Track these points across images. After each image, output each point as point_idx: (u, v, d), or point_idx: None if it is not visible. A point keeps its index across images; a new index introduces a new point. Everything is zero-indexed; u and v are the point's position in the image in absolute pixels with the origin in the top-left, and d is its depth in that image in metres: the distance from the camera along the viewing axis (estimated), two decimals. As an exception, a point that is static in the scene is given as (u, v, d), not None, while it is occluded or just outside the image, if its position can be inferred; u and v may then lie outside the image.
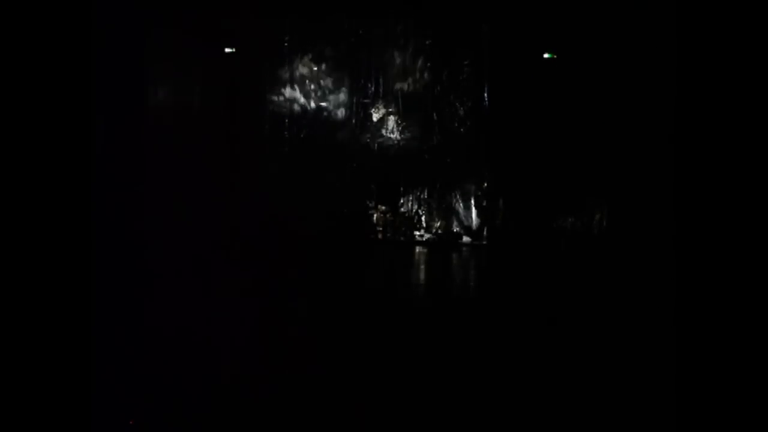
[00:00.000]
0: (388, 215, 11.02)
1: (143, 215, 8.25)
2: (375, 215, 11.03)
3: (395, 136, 10.99)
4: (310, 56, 10.93)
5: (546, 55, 9.73)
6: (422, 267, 9.75)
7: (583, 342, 4.84)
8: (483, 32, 10.64)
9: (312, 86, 10.98)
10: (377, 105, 10.98)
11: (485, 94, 10.71)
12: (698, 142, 2.45)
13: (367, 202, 11.02)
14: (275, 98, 10.93)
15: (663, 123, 6.75)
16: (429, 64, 10.85)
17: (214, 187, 9.86)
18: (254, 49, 10.65)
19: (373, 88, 10.94)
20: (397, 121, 10.98)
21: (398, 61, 10.90)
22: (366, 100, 10.97)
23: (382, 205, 11.01)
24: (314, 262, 9.22)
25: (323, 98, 11.02)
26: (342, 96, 11.00)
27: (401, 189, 11.01)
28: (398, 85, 10.91)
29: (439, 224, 10.90)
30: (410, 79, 10.91)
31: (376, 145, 11.01)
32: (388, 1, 10.73)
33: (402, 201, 11.03)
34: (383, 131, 11.02)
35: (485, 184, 10.81)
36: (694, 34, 2.46)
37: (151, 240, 8.26)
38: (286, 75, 10.92)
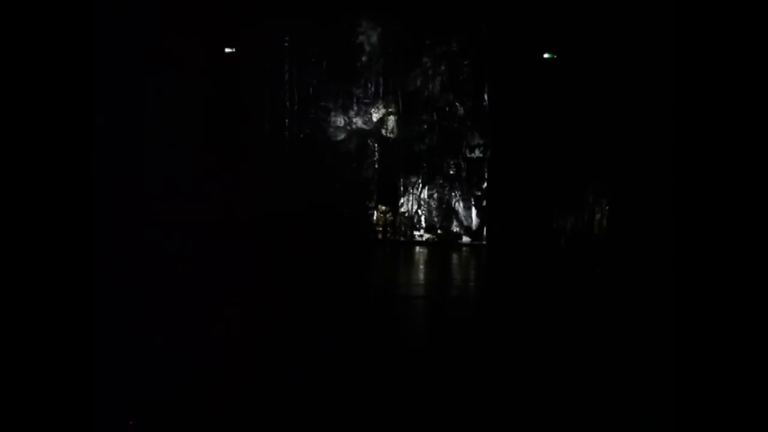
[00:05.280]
0: (388, 215, 11.02)
1: (143, 215, 8.25)
2: (375, 215, 11.03)
3: (395, 136, 11.00)
4: (310, 56, 10.93)
5: (546, 55, 9.73)
6: (421, 267, 9.75)
7: (583, 342, 4.84)
8: (483, 32, 10.65)
9: (312, 86, 10.98)
10: (377, 105, 10.99)
11: (485, 94, 10.72)
12: (698, 142, 2.45)
13: (367, 202, 11.03)
14: (275, 99, 10.93)
15: (663, 122, 6.74)
16: (429, 64, 10.86)
17: (214, 187, 9.86)
18: (254, 49, 10.65)
19: (373, 88, 10.95)
20: (397, 121, 10.99)
21: (398, 61, 10.90)
22: (366, 100, 10.98)
23: (382, 205, 11.02)
24: (314, 262, 9.21)
25: (323, 98, 11.02)
26: (342, 96, 11.00)
27: (401, 189, 11.02)
28: (398, 85, 10.92)
29: (438, 224, 10.91)
30: (410, 79, 10.91)
31: (376, 145, 11.02)
32: (388, 2, 10.75)
33: (402, 201, 11.04)
34: (383, 131, 11.03)
35: (485, 184, 10.82)
36: (694, 34, 2.46)
37: (151, 239, 8.26)
38: (286, 75, 10.92)
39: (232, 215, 10.00)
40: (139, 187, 8.31)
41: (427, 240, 11.00)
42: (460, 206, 10.95)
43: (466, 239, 10.90)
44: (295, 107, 10.98)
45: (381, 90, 10.94)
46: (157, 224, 8.37)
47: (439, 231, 11.01)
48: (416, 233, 11.04)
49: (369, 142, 11.04)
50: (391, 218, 11.00)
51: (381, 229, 11.01)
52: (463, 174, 10.89)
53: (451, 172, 10.94)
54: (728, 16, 2.41)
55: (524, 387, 3.80)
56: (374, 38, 10.87)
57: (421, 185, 11.01)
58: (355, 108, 10.99)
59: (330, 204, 10.91)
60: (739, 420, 2.28)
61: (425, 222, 11.05)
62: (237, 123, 10.56)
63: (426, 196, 11.02)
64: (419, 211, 11.07)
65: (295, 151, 10.98)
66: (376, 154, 11.03)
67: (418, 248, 10.78)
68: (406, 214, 11.05)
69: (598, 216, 9.26)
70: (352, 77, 10.95)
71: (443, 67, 10.82)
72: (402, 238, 10.97)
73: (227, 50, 10.46)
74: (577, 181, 9.37)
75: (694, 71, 2.48)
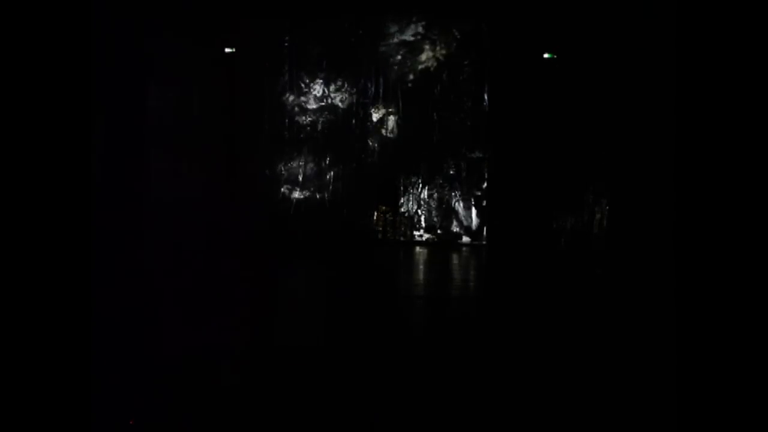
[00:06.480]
0: (388, 215, 11.02)
1: (144, 215, 8.25)
2: (375, 215, 11.04)
3: (395, 136, 11.01)
4: (310, 56, 10.94)
5: (546, 55, 9.73)
6: (421, 267, 9.75)
7: (583, 342, 4.84)
8: (483, 32, 10.65)
9: (312, 86, 10.99)
10: (377, 105, 10.99)
11: (485, 94, 10.73)
12: (699, 142, 2.45)
13: (367, 202, 11.03)
14: (275, 98, 10.94)
15: (663, 122, 6.74)
16: (429, 64, 10.86)
17: (214, 187, 9.86)
18: (254, 49, 10.65)
19: (373, 88, 10.95)
20: (397, 121, 10.99)
21: (398, 61, 10.90)
22: (366, 100, 10.99)
23: (382, 205, 11.02)
24: (314, 262, 9.22)
25: (323, 98, 11.03)
26: (342, 96, 11.00)
27: (401, 189, 11.02)
28: (398, 85, 10.93)
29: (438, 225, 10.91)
30: (410, 79, 10.92)
31: (376, 145, 11.02)
32: (388, 2, 10.75)
33: (402, 201, 11.04)
34: (383, 131, 11.03)
35: (485, 184, 10.83)
36: (694, 34, 2.46)
37: (152, 240, 8.26)
38: (286, 75, 10.93)
39: (230, 215, 10.00)
40: (138, 188, 8.31)
41: (427, 240, 11.00)
42: (460, 206, 10.95)
43: (466, 239, 10.90)
44: (295, 107, 10.98)
45: (381, 90, 10.94)
46: (157, 225, 8.36)
47: (439, 231, 11.01)
48: (416, 233, 11.04)
49: (369, 142, 11.04)
50: (391, 218, 11.01)
51: (381, 229, 11.02)
52: (463, 174, 10.90)
53: (451, 172, 10.94)
54: (729, 16, 2.41)
55: (524, 386, 3.80)
56: (374, 38, 10.87)
57: (421, 185, 11.02)
58: (355, 108, 11.00)
59: (330, 204, 10.92)
60: (739, 420, 2.28)
61: (425, 222, 11.06)
62: (237, 123, 10.56)
63: (426, 196, 11.02)
64: (419, 211, 11.07)
65: (295, 151, 10.99)
66: (376, 154, 11.03)
67: (418, 248, 10.78)
68: (406, 214, 11.05)
69: (598, 216, 9.27)
70: (352, 77, 10.96)
71: (443, 68, 10.82)
72: (402, 238, 10.98)
73: (227, 50, 10.47)
74: (577, 181, 9.37)
75: (695, 71, 2.48)
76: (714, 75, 2.46)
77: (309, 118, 11.03)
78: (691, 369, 2.38)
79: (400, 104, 10.94)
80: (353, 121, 10.99)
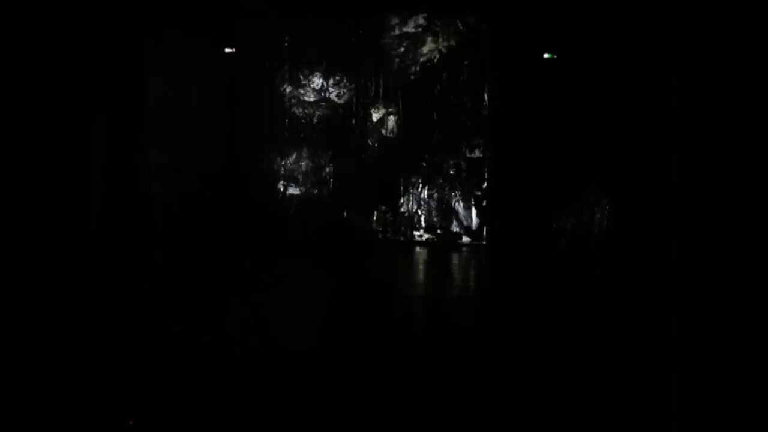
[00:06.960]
0: (388, 215, 11.02)
1: (144, 215, 8.24)
2: (375, 215, 11.03)
3: (395, 135, 11.00)
4: (310, 56, 10.93)
5: (546, 55, 9.73)
6: (421, 267, 9.74)
7: (582, 342, 4.84)
8: (483, 32, 10.65)
9: (312, 86, 10.98)
10: (377, 105, 10.99)
11: (485, 94, 10.72)
12: (699, 141, 2.45)
13: (367, 203, 11.01)
14: (275, 98, 10.93)
15: (664, 122, 6.74)
16: (429, 64, 10.86)
17: (214, 187, 9.85)
18: (254, 49, 10.65)
19: (373, 88, 10.95)
20: (397, 121, 10.99)
21: (398, 61, 10.90)
22: (366, 100, 10.98)
23: (382, 205, 11.02)
24: (313, 261, 9.21)
25: (323, 98, 11.02)
26: (342, 96, 11.00)
27: (401, 189, 11.02)
28: (398, 85, 10.92)
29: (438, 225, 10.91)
30: (410, 79, 10.91)
31: (376, 144, 11.02)
32: (388, 2, 10.75)
33: (402, 201, 11.03)
34: (383, 131, 11.03)
35: (485, 184, 10.82)
36: (693, 34, 2.46)
37: (152, 240, 8.25)
38: (286, 75, 10.92)
39: (230, 215, 9.99)
40: (139, 188, 8.30)
41: (426, 240, 11.00)
42: (460, 206, 10.95)
43: (466, 239, 10.90)
44: (295, 107, 10.98)
45: (381, 90, 10.94)
46: (157, 225, 8.35)
47: (439, 231, 11.01)
48: (416, 233, 11.04)
49: (369, 142, 11.04)
50: (391, 218, 11.00)
51: (381, 229, 11.01)
52: (463, 174, 10.90)
53: (451, 172, 10.94)
54: (728, 15, 2.41)
55: (524, 386, 3.80)
56: (374, 38, 10.86)
57: (421, 185, 11.02)
58: (355, 108, 11.00)
59: (329, 204, 10.92)
60: (739, 420, 2.28)
61: (425, 222, 11.05)
62: (237, 123, 10.55)
63: (426, 196, 11.02)
64: (419, 211, 11.07)
65: (295, 151, 10.99)
66: (376, 153, 11.03)
67: (418, 248, 10.78)
68: (406, 214, 11.04)
69: (598, 216, 9.26)
70: (353, 77, 10.95)
71: (443, 68, 10.82)
72: (402, 238, 10.97)
73: (227, 50, 10.45)
74: (577, 181, 9.36)
75: (694, 70, 2.48)
76: (713, 74, 2.46)
77: (309, 118, 11.03)
78: (691, 369, 2.38)
79: (400, 104, 10.93)
80: (353, 120, 10.99)
